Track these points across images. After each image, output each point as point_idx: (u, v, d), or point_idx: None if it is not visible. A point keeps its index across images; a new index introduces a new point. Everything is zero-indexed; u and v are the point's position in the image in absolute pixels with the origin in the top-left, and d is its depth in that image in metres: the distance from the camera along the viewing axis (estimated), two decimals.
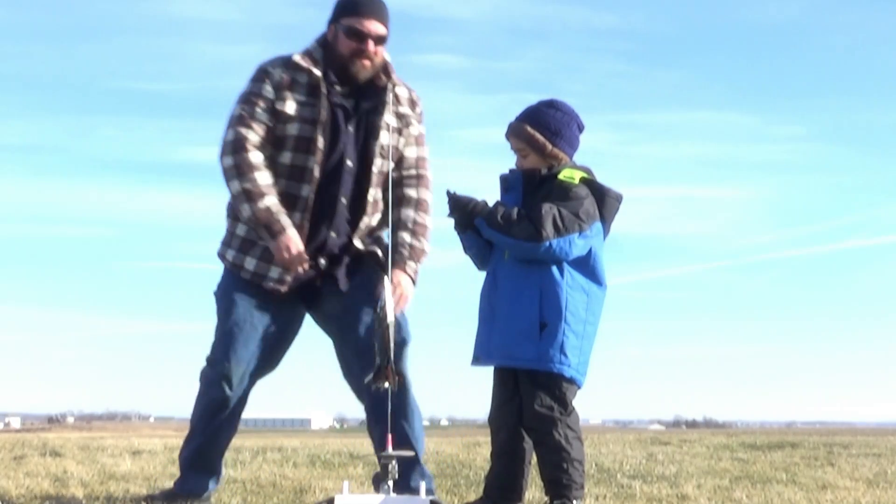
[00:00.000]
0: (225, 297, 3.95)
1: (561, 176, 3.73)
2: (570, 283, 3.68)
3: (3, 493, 4.30)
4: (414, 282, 3.91)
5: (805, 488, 4.94)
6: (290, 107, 3.75)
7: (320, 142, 3.74)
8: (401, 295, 3.81)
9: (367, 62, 3.80)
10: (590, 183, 3.77)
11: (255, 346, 3.90)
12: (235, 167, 3.72)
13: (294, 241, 3.70)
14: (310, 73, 3.79)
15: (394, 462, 3.37)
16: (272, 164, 3.76)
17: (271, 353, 3.98)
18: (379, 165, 3.83)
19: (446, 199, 3.75)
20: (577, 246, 3.66)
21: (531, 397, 3.65)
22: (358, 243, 3.89)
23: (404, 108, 3.94)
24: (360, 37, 3.76)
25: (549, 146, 3.77)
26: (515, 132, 3.82)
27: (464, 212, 3.71)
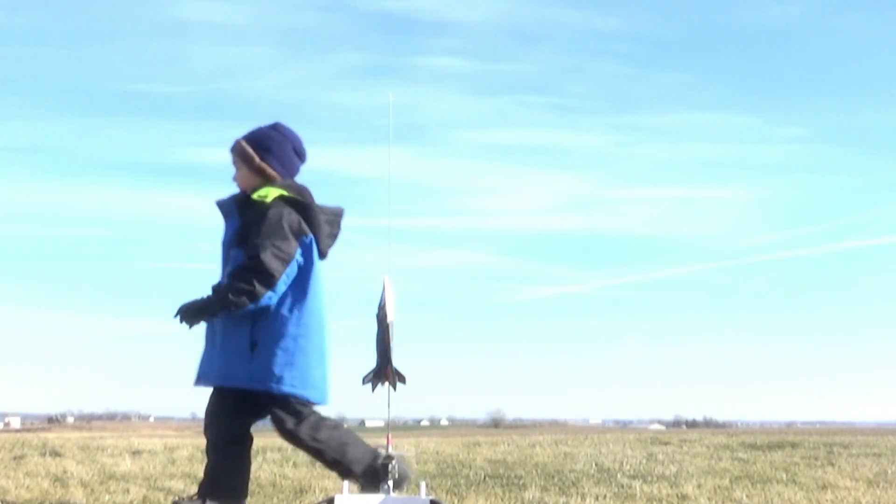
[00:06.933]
0: None
1: (254, 195, 3.80)
2: (281, 302, 3.75)
3: (3, 493, 4.29)
4: None
5: (805, 488, 4.93)
6: None
7: None
8: None
9: None
10: (289, 200, 3.80)
11: None
12: None
13: None
14: None
15: (394, 462, 3.38)
16: None
17: None
18: None
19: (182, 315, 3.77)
20: (284, 281, 3.70)
21: (274, 421, 3.79)
22: None
23: None
24: None
25: (257, 159, 3.88)
26: (233, 146, 3.95)
27: (193, 318, 3.75)
